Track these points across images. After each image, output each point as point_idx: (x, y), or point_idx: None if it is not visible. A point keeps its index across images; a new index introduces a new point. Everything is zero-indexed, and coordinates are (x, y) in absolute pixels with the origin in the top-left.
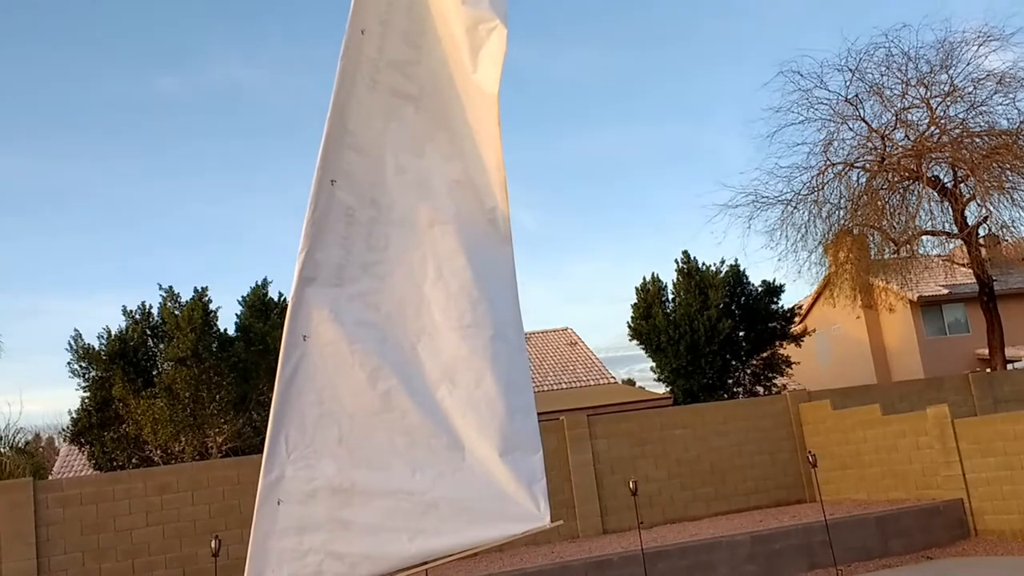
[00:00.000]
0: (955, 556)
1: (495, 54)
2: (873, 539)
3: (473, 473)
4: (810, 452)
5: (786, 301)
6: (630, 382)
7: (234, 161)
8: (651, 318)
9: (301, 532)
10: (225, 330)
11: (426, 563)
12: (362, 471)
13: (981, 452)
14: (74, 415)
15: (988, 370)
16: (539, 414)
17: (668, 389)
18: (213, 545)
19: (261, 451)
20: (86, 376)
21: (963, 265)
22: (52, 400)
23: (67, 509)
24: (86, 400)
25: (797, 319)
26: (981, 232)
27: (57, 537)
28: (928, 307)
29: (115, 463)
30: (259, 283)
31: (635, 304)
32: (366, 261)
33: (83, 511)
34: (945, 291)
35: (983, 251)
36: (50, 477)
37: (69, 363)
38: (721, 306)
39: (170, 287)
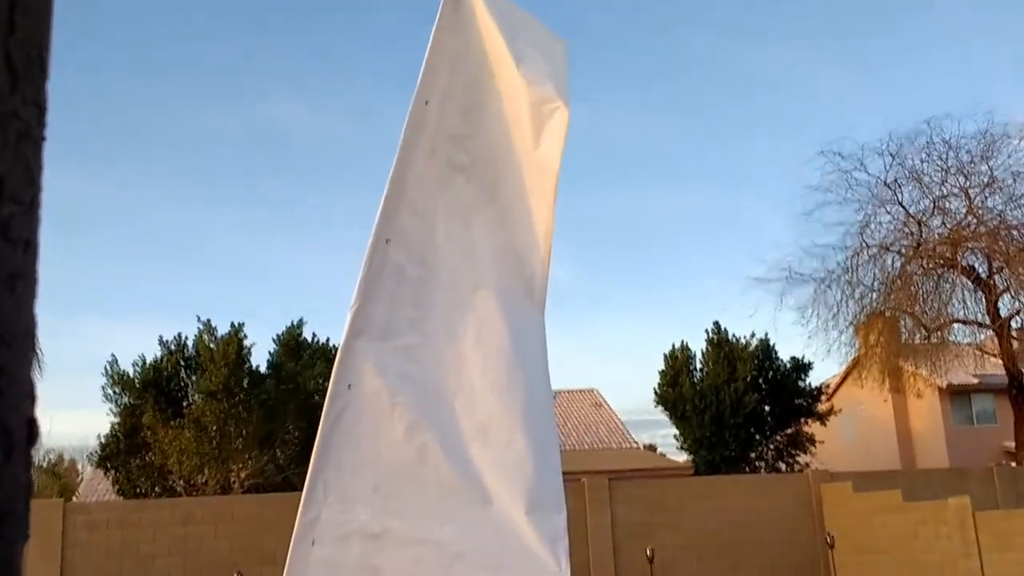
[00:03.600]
0: None
1: (557, 132)
2: None
3: (499, 528)
4: (829, 534)
5: (814, 379)
6: (652, 447)
7: (271, 198)
8: (678, 386)
9: (333, 574)
10: (257, 367)
11: None
12: (394, 519)
13: (1000, 547)
14: (103, 440)
15: (1013, 464)
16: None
17: (690, 458)
18: None
19: (283, 490)
20: (118, 402)
21: (994, 355)
22: (77, 421)
23: (93, 533)
24: (116, 426)
25: (824, 397)
26: (1014, 324)
27: (82, 560)
28: (957, 395)
29: (138, 490)
30: (294, 323)
31: (662, 371)
32: (412, 317)
33: (108, 535)
34: (975, 380)
35: (1015, 344)
36: (74, 499)
37: (103, 387)
38: (748, 379)
39: (208, 320)
